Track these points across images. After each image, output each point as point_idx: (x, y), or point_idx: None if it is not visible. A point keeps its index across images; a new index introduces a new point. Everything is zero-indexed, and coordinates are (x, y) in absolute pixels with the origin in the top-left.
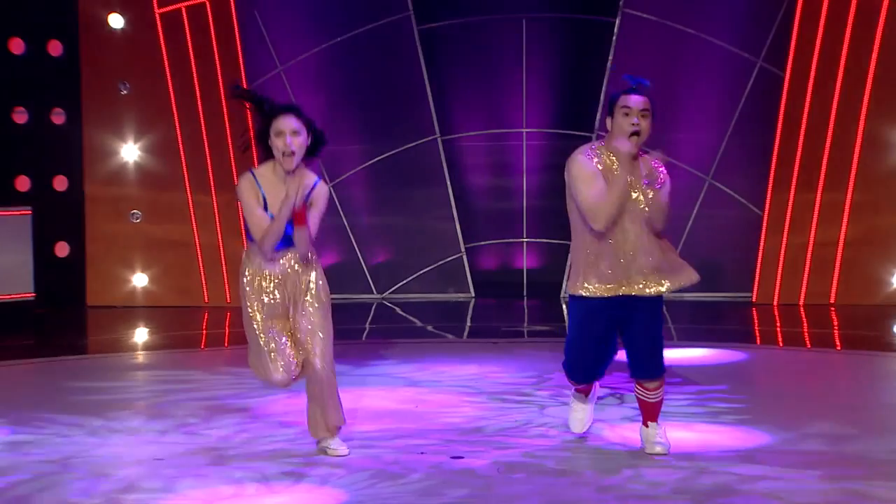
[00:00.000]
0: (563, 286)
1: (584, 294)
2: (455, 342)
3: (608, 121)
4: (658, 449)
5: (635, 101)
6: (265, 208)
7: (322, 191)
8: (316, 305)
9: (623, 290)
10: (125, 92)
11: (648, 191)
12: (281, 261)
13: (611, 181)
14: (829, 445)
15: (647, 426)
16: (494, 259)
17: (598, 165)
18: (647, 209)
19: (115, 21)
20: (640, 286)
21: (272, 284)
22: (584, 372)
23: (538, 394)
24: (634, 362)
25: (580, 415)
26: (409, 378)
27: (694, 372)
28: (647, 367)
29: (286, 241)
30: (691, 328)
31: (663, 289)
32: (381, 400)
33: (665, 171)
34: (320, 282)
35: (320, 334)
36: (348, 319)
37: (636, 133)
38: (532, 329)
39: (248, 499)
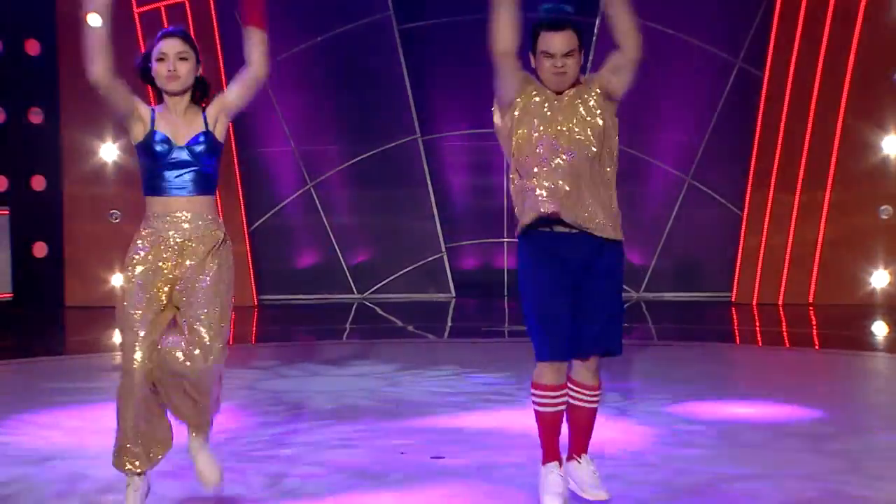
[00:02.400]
0: None
1: None
2: (436, 342)
3: (532, 58)
4: (603, 494)
5: (556, 40)
6: (164, 142)
7: (213, 100)
8: None
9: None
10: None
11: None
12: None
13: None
14: (808, 444)
15: (578, 460)
16: (475, 259)
17: (535, 94)
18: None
19: (94, 20)
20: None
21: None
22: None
23: (519, 394)
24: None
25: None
26: (390, 378)
27: (672, 372)
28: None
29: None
30: (671, 328)
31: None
32: (362, 400)
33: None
34: None
35: None
36: (329, 319)
37: (561, 73)
38: (513, 329)
39: (228, 499)
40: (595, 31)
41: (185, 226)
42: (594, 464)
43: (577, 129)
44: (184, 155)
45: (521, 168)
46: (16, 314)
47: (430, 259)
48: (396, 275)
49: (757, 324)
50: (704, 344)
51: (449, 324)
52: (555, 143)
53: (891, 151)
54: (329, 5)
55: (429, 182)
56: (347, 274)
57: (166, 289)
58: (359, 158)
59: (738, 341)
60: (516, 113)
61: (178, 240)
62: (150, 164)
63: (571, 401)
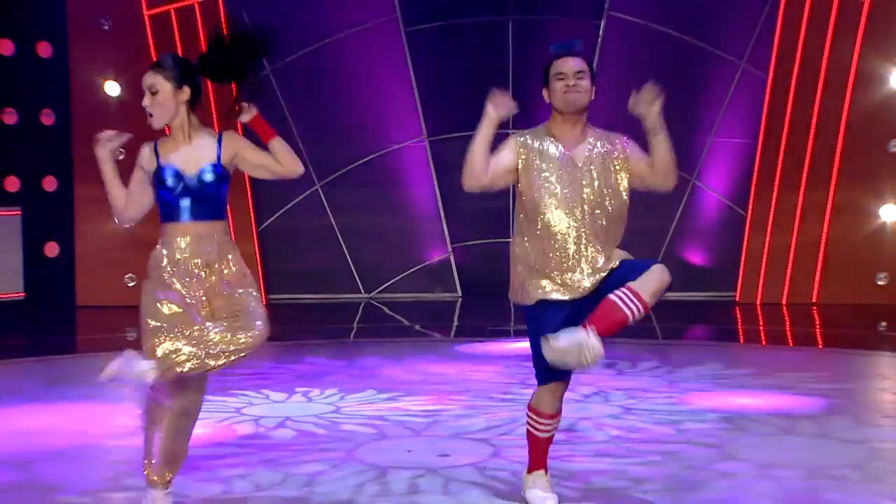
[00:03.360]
0: None
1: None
2: (442, 341)
3: (545, 92)
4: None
5: (568, 64)
6: (174, 175)
7: (231, 135)
8: None
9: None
10: (106, 28)
11: (593, 172)
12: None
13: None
14: (811, 441)
15: (586, 329)
16: (481, 259)
17: (521, 151)
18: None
19: (105, 23)
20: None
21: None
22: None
23: (524, 392)
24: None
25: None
26: (396, 377)
27: (676, 370)
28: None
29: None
30: (675, 327)
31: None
32: (369, 398)
33: (624, 143)
34: None
35: None
36: (336, 319)
37: (574, 92)
38: (518, 328)
39: (236, 495)
40: (600, 32)
41: (200, 250)
42: (598, 341)
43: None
44: (194, 184)
45: None
46: (28, 313)
47: (437, 259)
48: (403, 274)
49: (761, 323)
50: (708, 343)
51: (455, 323)
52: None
53: (894, 151)
54: (337, 8)
55: (435, 183)
56: (355, 274)
57: (181, 307)
58: (366, 159)
59: (742, 340)
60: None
61: (196, 262)
62: (164, 194)
63: (611, 295)
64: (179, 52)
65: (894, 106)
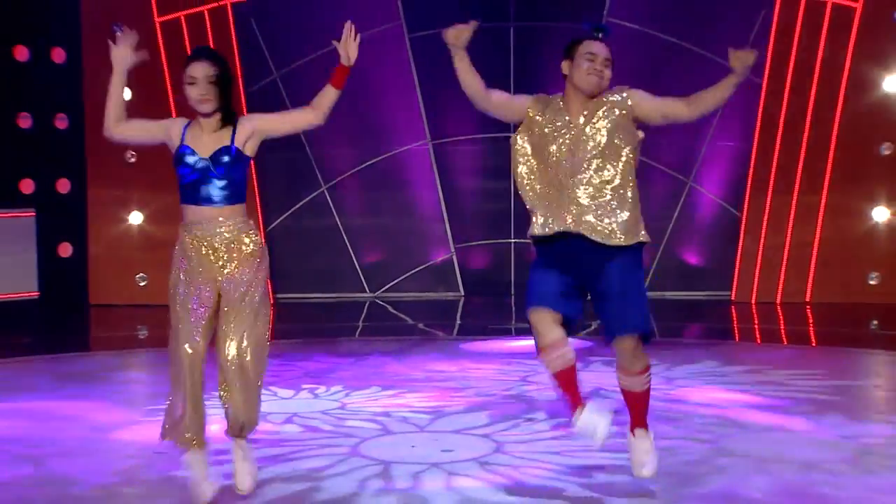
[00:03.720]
0: None
1: None
2: (445, 339)
3: (565, 65)
4: (644, 472)
5: (600, 48)
6: (190, 154)
7: (245, 117)
8: None
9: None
10: (120, 34)
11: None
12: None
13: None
14: (805, 436)
15: (633, 434)
16: (483, 259)
17: (537, 115)
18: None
19: (118, 30)
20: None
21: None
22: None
23: (525, 388)
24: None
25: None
26: (400, 374)
27: (674, 367)
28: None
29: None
30: (672, 325)
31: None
32: (374, 395)
33: (626, 100)
34: None
35: None
36: (342, 317)
37: (598, 76)
38: (519, 326)
39: (244, 490)
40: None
41: (217, 232)
42: (650, 439)
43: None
44: (210, 166)
45: None
46: (42, 312)
47: (440, 259)
48: (407, 274)
49: (756, 321)
50: (705, 341)
51: (458, 322)
52: None
53: (885, 154)
54: (343, 16)
55: (438, 185)
56: (360, 273)
57: (209, 288)
58: (371, 162)
59: (737, 338)
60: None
61: (214, 245)
62: (181, 175)
63: (622, 385)
64: None
65: (885, 111)
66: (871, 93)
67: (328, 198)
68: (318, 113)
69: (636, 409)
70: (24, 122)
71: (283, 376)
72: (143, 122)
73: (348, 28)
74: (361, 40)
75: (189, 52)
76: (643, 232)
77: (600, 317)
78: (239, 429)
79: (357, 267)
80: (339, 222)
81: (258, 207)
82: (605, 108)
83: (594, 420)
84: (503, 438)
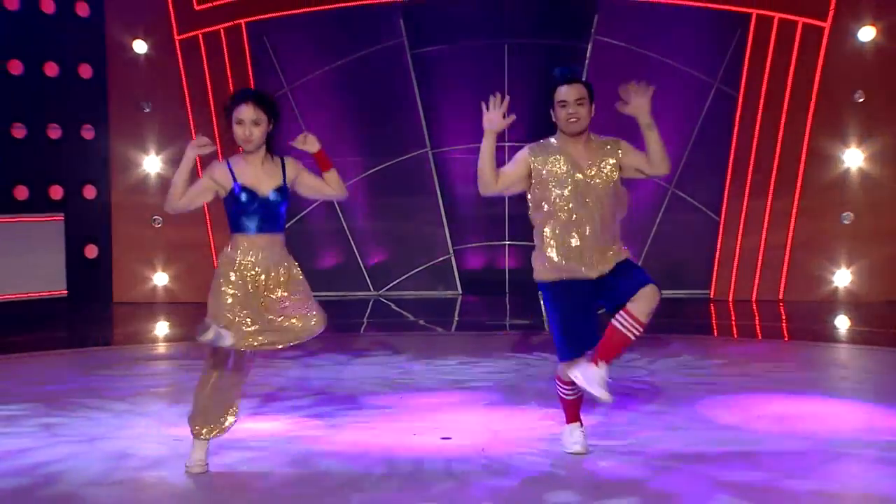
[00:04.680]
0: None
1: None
2: (444, 335)
3: (552, 113)
4: (604, 395)
5: (570, 92)
6: (242, 190)
7: (292, 161)
8: None
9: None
10: (147, 110)
11: (592, 171)
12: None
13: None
14: (778, 424)
15: (597, 364)
16: (480, 260)
17: (532, 159)
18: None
19: (139, 46)
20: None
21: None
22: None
23: (519, 380)
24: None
25: (578, 444)
26: (403, 367)
27: (656, 361)
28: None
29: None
30: (654, 322)
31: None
32: (378, 386)
33: (618, 151)
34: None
35: None
36: (347, 314)
37: (575, 118)
38: (513, 323)
39: (256, 476)
40: (587, 54)
41: (265, 257)
42: (607, 371)
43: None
44: (265, 202)
45: None
46: (69, 309)
47: (439, 260)
48: (409, 274)
49: (733, 318)
50: (685, 336)
51: (456, 318)
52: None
53: (851, 164)
54: (349, 32)
55: (438, 191)
56: (364, 273)
57: (249, 307)
58: (375, 169)
59: (715, 333)
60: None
61: (259, 269)
62: (237, 209)
63: (614, 321)
64: (206, 73)
65: (853, 121)
66: (839, 104)
67: (335, 203)
68: (338, 190)
69: (611, 347)
70: (54, 133)
71: (292, 371)
72: (194, 189)
73: (300, 138)
74: (367, 56)
75: (206, 67)
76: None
77: (614, 295)
78: None
79: (362, 267)
80: (345, 225)
81: None
82: (598, 156)
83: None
84: (499, 426)
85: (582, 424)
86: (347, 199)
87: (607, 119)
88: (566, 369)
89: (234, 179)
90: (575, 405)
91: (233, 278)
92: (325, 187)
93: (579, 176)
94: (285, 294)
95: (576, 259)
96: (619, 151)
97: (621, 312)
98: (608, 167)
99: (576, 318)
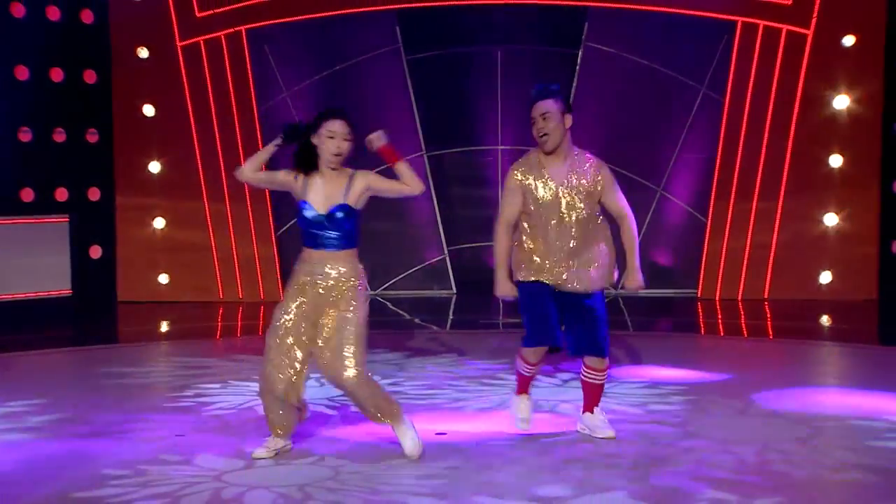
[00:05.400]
0: None
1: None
2: (439, 333)
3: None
4: (609, 433)
5: (535, 108)
6: (309, 209)
7: (361, 174)
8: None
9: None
10: (145, 56)
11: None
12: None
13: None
14: (763, 419)
15: (592, 412)
16: (473, 260)
17: (519, 176)
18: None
19: (142, 53)
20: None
21: None
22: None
23: (511, 377)
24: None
25: (525, 412)
26: (399, 364)
27: (646, 359)
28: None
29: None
30: (644, 320)
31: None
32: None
33: (593, 166)
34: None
35: None
36: None
37: (543, 134)
38: (506, 321)
39: (257, 470)
40: (578, 60)
41: (329, 273)
42: (603, 413)
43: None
44: (325, 220)
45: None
46: (75, 308)
47: (434, 260)
48: (404, 274)
49: (719, 316)
50: (673, 334)
51: (450, 317)
52: None
53: (834, 166)
54: (347, 39)
55: (433, 192)
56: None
57: (309, 321)
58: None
59: (702, 331)
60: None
61: (321, 284)
62: (302, 224)
63: (583, 377)
64: (207, 78)
65: (834, 126)
66: (821, 110)
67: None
68: (413, 186)
69: (594, 396)
70: (59, 136)
71: None
72: (270, 173)
73: (369, 138)
74: (363, 61)
75: (207, 73)
76: None
77: (570, 333)
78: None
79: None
80: None
81: (269, 214)
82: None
83: (521, 407)
84: (491, 420)
85: (530, 397)
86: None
87: (597, 126)
88: (532, 355)
89: (305, 193)
90: (529, 381)
91: (291, 290)
92: (400, 186)
93: (551, 192)
94: (331, 326)
95: (543, 267)
96: (600, 182)
97: (584, 369)
98: (585, 188)
99: (546, 311)
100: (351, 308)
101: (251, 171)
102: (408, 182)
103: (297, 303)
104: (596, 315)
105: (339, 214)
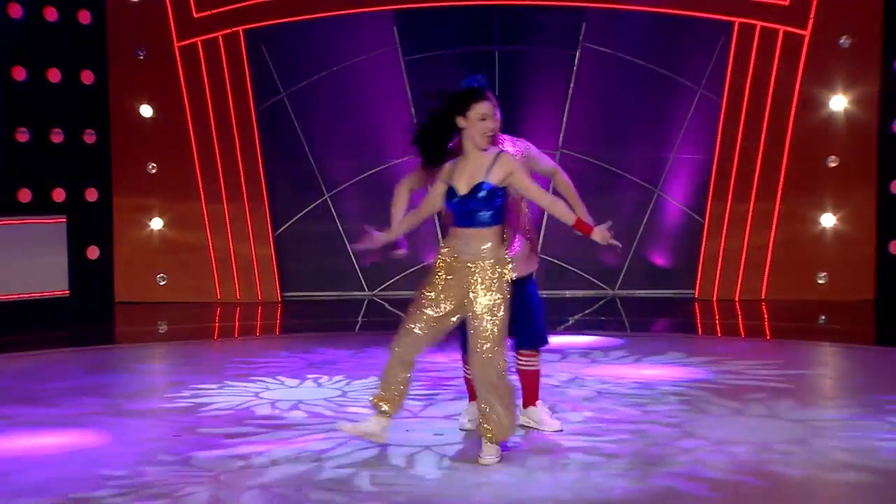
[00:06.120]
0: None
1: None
2: None
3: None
4: (557, 425)
5: (492, 104)
6: (453, 193)
7: (504, 159)
8: None
9: None
10: (141, 56)
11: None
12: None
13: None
14: (760, 420)
15: (535, 406)
16: None
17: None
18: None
19: (140, 53)
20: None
21: None
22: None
23: (510, 378)
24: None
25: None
26: None
27: (643, 359)
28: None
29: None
30: (642, 321)
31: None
32: (372, 384)
33: (517, 151)
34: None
35: None
36: (343, 314)
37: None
38: None
39: (254, 470)
40: (575, 61)
41: (471, 249)
42: (545, 406)
43: None
44: (467, 199)
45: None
46: (72, 309)
47: (432, 260)
48: (402, 274)
49: (716, 317)
50: (671, 335)
51: None
52: None
53: (831, 166)
54: (344, 40)
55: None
56: (359, 273)
57: (453, 294)
58: (369, 173)
59: (700, 332)
60: None
61: (465, 260)
62: (448, 205)
63: (518, 366)
64: (205, 79)
65: (831, 127)
66: (818, 111)
67: (330, 205)
68: (554, 212)
69: (534, 384)
70: (57, 137)
71: (289, 367)
72: (431, 195)
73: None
74: (361, 63)
75: (205, 73)
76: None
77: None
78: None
79: (357, 268)
80: (340, 227)
81: (267, 215)
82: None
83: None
84: None
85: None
86: (342, 201)
87: (594, 127)
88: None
89: (453, 176)
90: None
91: (437, 264)
92: (538, 195)
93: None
94: (479, 291)
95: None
96: (512, 171)
97: (517, 357)
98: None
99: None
100: (494, 287)
101: (407, 226)
102: (558, 210)
103: (442, 275)
104: (531, 306)
105: (481, 193)
